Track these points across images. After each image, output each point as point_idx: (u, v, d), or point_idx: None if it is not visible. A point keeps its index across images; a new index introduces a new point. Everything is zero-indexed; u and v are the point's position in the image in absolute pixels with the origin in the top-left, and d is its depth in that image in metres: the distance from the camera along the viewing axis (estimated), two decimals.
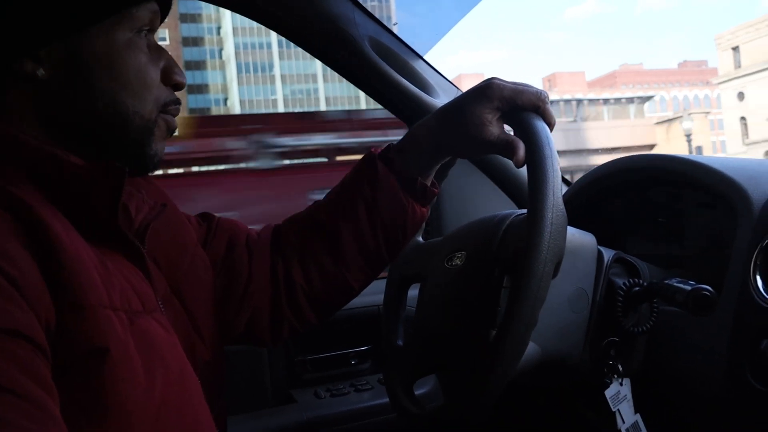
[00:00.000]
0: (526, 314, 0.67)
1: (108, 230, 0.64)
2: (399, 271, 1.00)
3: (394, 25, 1.35)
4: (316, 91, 73.77)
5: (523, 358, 0.71)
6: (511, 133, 0.79)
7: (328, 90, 72.94)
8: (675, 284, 0.78)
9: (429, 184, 0.86)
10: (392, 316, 0.98)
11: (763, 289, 0.80)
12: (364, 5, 1.29)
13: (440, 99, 1.38)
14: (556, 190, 0.69)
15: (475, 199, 1.46)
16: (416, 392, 0.92)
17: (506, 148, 0.77)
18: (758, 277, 0.81)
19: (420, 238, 1.00)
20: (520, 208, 1.41)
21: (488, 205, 1.45)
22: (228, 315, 0.86)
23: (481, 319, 0.78)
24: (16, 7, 0.61)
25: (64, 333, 0.53)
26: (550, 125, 0.76)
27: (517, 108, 0.77)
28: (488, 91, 0.78)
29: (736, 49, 51.30)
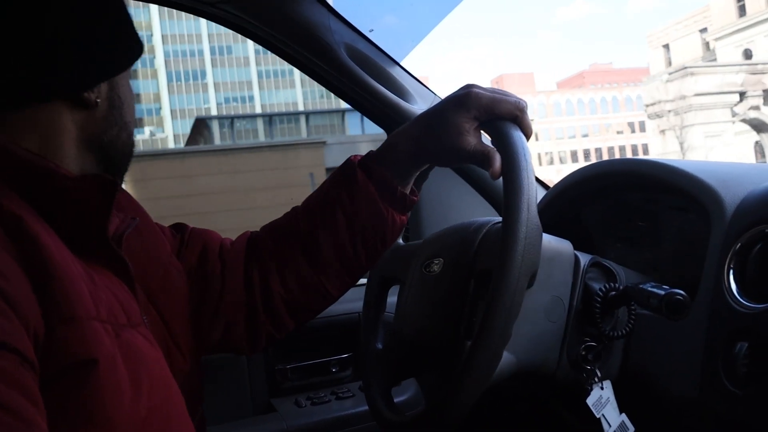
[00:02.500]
0: (499, 328, 0.67)
1: (95, 243, 0.65)
2: (378, 273, 1.00)
3: (370, 31, 1.35)
4: (251, 98, 71.97)
5: (497, 368, 0.71)
6: (489, 141, 0.79)
7: (263, 97, 70.92)
8: (649, 288, 0.78)
9: (408, 192, 0.86)
10: (371, 318, 0.98)
11: (737, 291, 0.80)
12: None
13: (418, 105, 1.38)
14: (531, 203, 0.69)
15: (454, 199, 1.47)
16: (396, 399, 0.92)
17: (483, 159, 0.77)
18: (732, 280, 0.82)
19: (400, 240, 1.00)
20: (500, 212, 1.42)
21: (468, 206, 1.45)
22: (203, 324, 0.86)
23: (458, 329, 0.78)
24: (91, 48, 0.69)
25: (53, 344, 0.53)
26: (527, 134, 0.77)
27: (494, 117, 0.77)
28: (466, 100, 0.78)
29: (666, 47, 50.62)
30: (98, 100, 0.70)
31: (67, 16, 0.67)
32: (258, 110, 70.01)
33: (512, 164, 0.71)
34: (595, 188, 1.13)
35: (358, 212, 0.84)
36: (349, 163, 0.86)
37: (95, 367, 0.55)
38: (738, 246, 0.82)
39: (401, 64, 1.40)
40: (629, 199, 1.10)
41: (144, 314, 0.70)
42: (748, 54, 43.16)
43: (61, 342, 0.54)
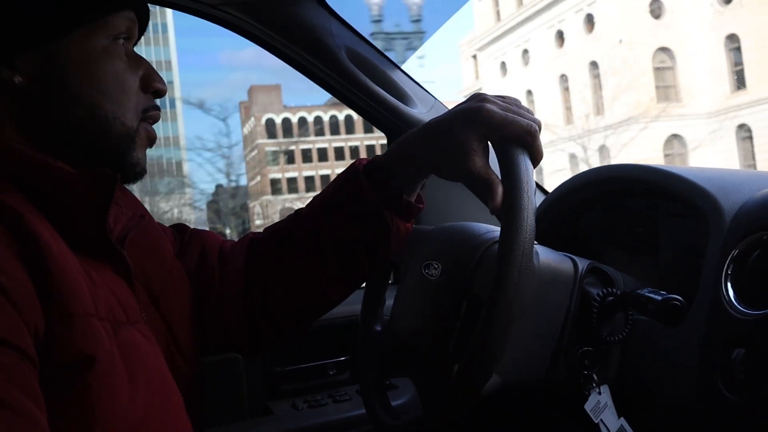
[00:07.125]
0: (484, 362, 0.69)
1: (94, 240, 0.65)
2: None
3: (371, 35, 1.35)
4: None
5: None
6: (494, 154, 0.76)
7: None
8: (647, 294, 0.78)
9: (414, 200, 0.83)
10: (373, 299, 0.97)
11: (734, 299, 0.80)
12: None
13: (417, 108, 1.39)
14: (527, 243, 0.67)
15: (457, 194, 1.45)
16: (394, 403, 0.92)
17: (484, 187, 0.73)
18: (729, 287, 0.81)
19: None
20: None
21: (471, 203, 1.44)
22: (204, 326, 0.86)
23: (446, 345, 0.79)
24: None
25: (52, 341, 0.53)
26: (536, 160, 0.73)
27: (504, 139, 0.73)
28: (476, 116, 0.73)
29: (475, 57, 44.37)
30: (16, 79, 0.64)
31: None
32: None
33: (513, 201, 0.68)
34: (594, 193, 1.13)
35: (360, 219, 0.82)
36: (354, 169, 0.83)
37: (93, 364, 0.55)
38: (736, 253, 0.82)
39: (401, 67, 1.40)
40: (629, 205, 1.10)
41: (144, 313, 0.70)
42: (504, 68, 38.34)
43: (59, 339, 0.54)
